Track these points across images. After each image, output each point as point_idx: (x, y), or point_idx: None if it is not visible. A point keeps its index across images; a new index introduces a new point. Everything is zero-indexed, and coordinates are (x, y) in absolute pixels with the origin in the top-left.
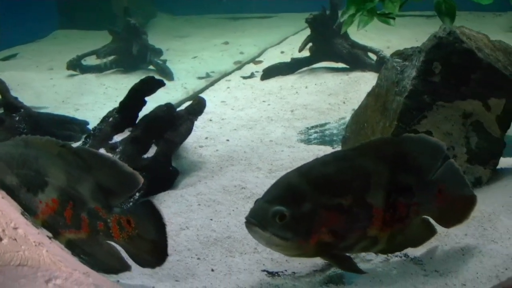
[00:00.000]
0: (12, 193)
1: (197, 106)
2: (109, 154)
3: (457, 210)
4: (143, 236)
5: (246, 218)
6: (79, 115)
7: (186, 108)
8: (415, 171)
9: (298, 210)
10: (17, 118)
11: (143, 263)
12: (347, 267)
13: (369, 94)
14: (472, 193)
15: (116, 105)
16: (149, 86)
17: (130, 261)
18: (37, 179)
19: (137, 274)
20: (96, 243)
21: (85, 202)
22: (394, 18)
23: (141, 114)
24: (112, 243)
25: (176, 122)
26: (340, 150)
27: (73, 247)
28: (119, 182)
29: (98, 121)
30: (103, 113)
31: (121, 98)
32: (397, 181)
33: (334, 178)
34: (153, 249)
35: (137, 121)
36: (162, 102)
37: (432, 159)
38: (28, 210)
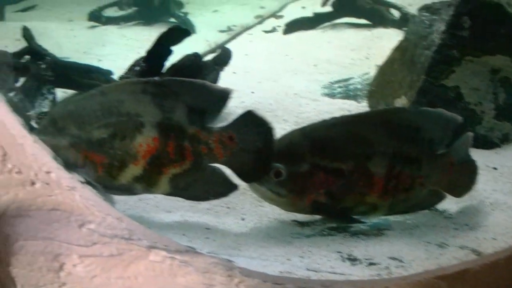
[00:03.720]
0: (103, 148)
1: (224, 56)
2: None
3: (466, 179)
4: (246, 149)
5: None
6: (102, 66)
7: (213, 58)
8: (426, 144)
9: (295, 169)
10: (43, 66)
11: (247, 178)
12: (345, 221)
13: (396, 49)
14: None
15: (138, 56)
16: (176, 35)
17: None
18: (131, 123)
19: (177, 213)
20: (199, 170)
21: (184, 130)
22: None
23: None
24: (216, 164)
25: (203, 72)
26: (349, 115)
27: (177, 181)
28: (211, 102)
29: (121, 72)
30: (126, 64)
31: (143, 50)
32: (405, 152)
33: (337, 142)
34: (257, 159)
35: (164, 70)
36: None
37: (446, 133)
38: (126, 161)
